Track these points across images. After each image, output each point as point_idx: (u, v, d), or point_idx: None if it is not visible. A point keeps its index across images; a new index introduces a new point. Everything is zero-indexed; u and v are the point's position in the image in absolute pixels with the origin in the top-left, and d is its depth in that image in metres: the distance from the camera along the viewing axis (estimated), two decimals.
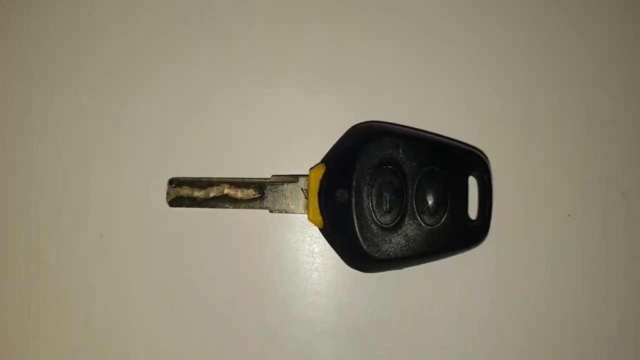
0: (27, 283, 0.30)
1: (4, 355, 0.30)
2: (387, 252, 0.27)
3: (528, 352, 0.30)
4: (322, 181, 0.28)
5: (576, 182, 0.31)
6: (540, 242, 0.30)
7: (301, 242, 0.30)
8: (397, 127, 0.29)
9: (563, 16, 0.31)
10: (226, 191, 0.29)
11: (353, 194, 0.27)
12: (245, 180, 0.29)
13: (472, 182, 0.28)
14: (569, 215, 0.31)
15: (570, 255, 0.30)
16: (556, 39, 0.31)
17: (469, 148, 0.29)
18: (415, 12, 0.31)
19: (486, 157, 0.29)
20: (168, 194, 0.29)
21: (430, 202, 0.27)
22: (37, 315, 0.30)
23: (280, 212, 0.29)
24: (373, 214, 0.27)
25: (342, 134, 0.29)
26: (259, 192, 0.29)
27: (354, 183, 0.27)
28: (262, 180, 0.29)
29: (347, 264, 0.29)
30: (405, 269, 0.28)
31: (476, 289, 0.30)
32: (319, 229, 0.29)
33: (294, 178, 0.29)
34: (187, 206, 0.29)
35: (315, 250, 0.30)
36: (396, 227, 0.27)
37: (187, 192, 0.29)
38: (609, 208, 0.31)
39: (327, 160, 0.29)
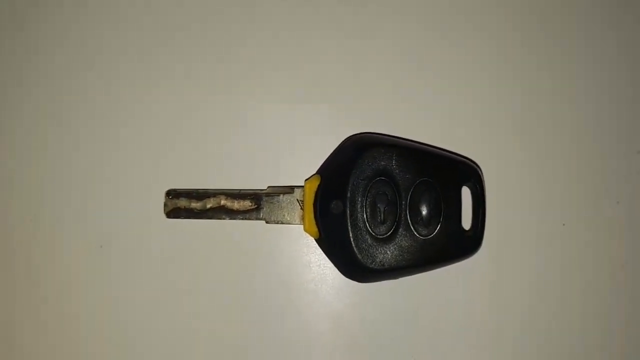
0: (27, 294, 0.31)
1: None
2: (382, 263, 0.27)
3: None
4: (317, 192, 0.28)
5: (571, 191, 0.31)
6: (535, 252, 0.30)
7: (297, 252, 0.30)
8: (391, 138, 0.29)
9: (556, 24, 0.31)
10: (223, 202, 0.29)
11: (347, 205, 0.27)
12: (242, 191, 0.29)
13: (466, 193, 0.28)
14: (564, 224, 0.31)
15: (565, 264, 0.31)
16: (549, 48, 0.31)
17: (462, 159, 0.29)
18: (407, 24, 0.31)
19: (479, 167, 0.29)
20: (165, 205, 0.29)
21: (424, 213, 0.28)
22: (35, 326, 0.31)
23: (277, 223, 0.29)
24: (367, 225, 0.27)
25: (337, 146, 0.30)
26: (255, 203, 0.29)
27: (348, 194, 0.27)
28: (258, 191, 0.29)
29: (343, 274, 0.29)
30: (401, 279, 0.29)
31: (471, 298, 0.30)
32: (315, 239, 0.29)
33: (290, 189, 0.29)
34: (184, 217, 0.29)
35: (311, 261, 0.30)
36: (390, 237, 0.27)
37: (184, 204, 0.29)
38: (603, 217, 0.31)
39: (322, 171, 0.29)
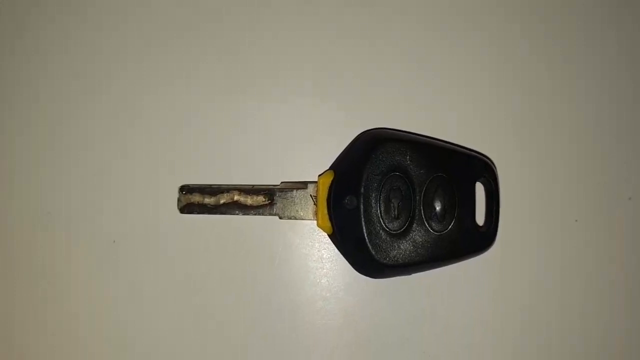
0: (41, 288, 0.31)
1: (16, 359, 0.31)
2: (396, 258, 0.27)
3: (535, 359, 0.30)
4: (330, 188, 0.28)
5: (583, 187, 0.31)
6: (548, 248, 0.31)
7: (310, 248, 0.31)
8: (405, 133, 0.29)
9: (569, 20, 0.31)
10: (236, 198, 0.29)
11: (361, 200, 0.27)
12: (255, 187, 0.29)
13: (480, 189, 0.28)
14: (576, 220, 0.31)
15: (577, 260, 0.31)
16: (562, 44, 0.31)
17: (476, 154, 0.29)
18: (421, 19, 0.31)
19: (493, 163, 0.29)
20: (179, 200, 0.30)
21: (437, 208, 0.28)
22: (49, 320, 0.31)
23: (290, 218, 0.29)
24: (381, 220, 0.27)
25: (350, 141, 0.30)
26: (268, 198, 0.29)
27: (362, 189, 0.27)
28: (272, 186, 0.29)
29: (356, 269, 0.29)
30: (413, 275, 0.29)
31: (483, 294, 0.30)
32: (328, 235, 0.29)
33: (303, 185, 0.29)
34: (198, 213, 0.29)
35: (324, 256, 0.31)
36: (404, 233, 0.27)
37: (197, 199, 0.29)
38: (615, 213, 0.31)
39: (336, 167, 0.29)
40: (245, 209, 0.29)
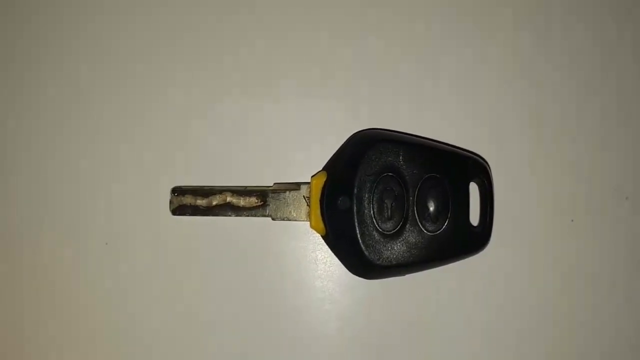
0: (33, 290, 0.31)
1: None
2: (389, 259, 0.27)
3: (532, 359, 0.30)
4: (323, 189, 0.28)
5: (579, 187, 0.31)
6: (543, 248, 0.30)
7: (304, 249, 0.30)
8: (398, 134, 0.29)
9: (566, 20, 0.31)
10: (229, 199, 0.29)
11: (354, 201, 0.27)
12: (248, 188, 0.29)
13: (474, 189, 0.28)
14: (572, 220, 0.31)
15: (574, 260, 0.30)
16: (559, 43, 0.31)
17: (470, 154, 0.29)
18: (416, 19, 0.31)
19: (487, 163, 0.29)
20: (171, 202, 0.29)
21: (431, 209, 0.27)
22: (41, 323, 0.31)
23: (283, 219, 0.29)
24: (374, 221, 0.27)
25: (343, 142, 0.29)
26: (261, 200, 0.29)
27: (355, 190, 0.27)
28: (264, 188, 0.29)
29: (350, 270, 0.29)
30: (408, 276, 0.28)
31: (479, 295, 0.30)
32: (321, 236, 0.29)
33: (296, 186, 0.29)
34: (190, 214, 0.29)
35: (318, 258, 0.30)
36: (397, 233, 0.27)
37: (190, 201, 0.29)
38: (612, 213, 0.31)
39: (329, 167, 0.29)
40: (237, 210, 0.29)
